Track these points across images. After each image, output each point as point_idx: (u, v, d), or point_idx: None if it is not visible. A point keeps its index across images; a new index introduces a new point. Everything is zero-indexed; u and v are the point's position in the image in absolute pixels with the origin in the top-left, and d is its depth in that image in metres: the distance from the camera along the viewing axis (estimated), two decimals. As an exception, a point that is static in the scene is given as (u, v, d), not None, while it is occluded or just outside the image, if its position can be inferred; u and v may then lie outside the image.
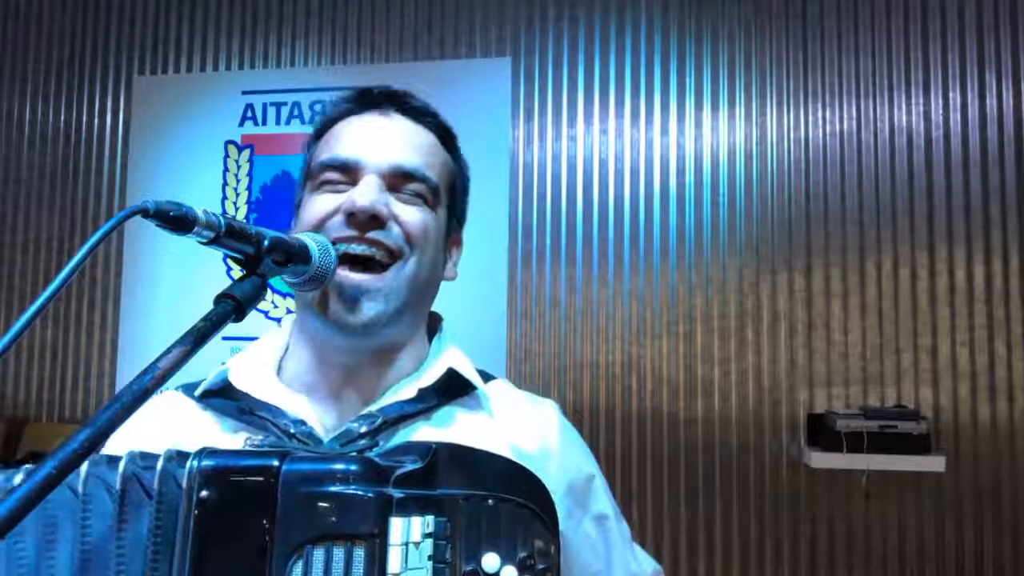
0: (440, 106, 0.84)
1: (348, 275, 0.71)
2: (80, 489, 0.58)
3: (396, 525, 0.56)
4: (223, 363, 0.77)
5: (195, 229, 0.55)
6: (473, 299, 2.76)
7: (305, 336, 0.78)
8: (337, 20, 3.17)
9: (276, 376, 0.77)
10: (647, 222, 2.87)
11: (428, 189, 0.76)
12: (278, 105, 3.14)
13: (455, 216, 0.83)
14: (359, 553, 0.55)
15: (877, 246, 2.71)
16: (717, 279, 2.80)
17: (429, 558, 0.56)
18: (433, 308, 0.85)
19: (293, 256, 0.63)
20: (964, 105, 2.72)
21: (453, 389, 0.77)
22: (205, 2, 3.28)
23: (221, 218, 0.57)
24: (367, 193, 0.72)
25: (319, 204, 0.74)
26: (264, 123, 3.14)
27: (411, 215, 0.74)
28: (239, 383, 0.75)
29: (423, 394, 0.75)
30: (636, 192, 2.89)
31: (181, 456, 0.58)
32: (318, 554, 0.55)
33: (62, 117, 3.37)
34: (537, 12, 3.03)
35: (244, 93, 3.17)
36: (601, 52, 2.98)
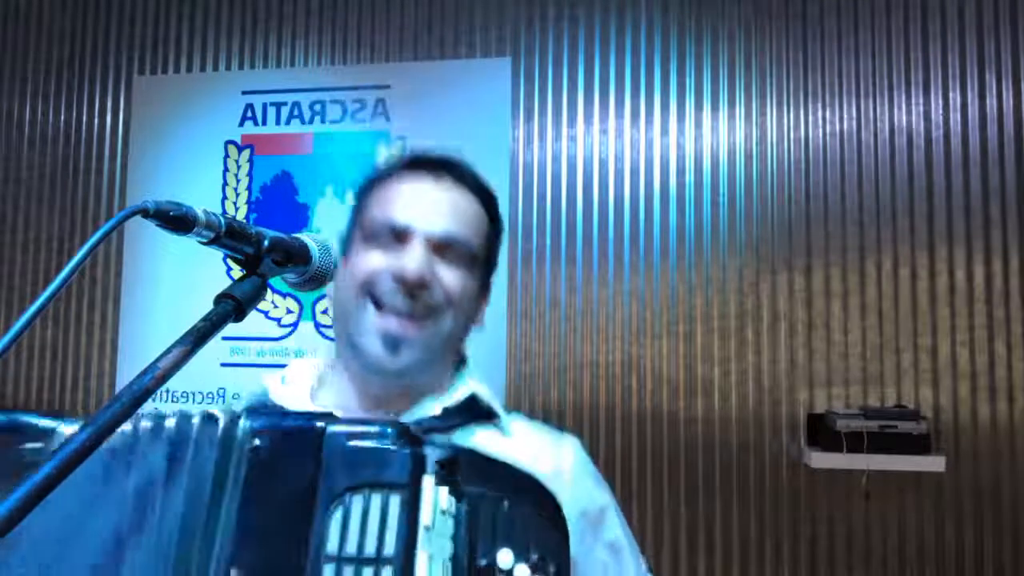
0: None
1: (392, 323, 0.79)
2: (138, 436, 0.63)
3: (428, 483, 0.59)
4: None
5: (195, 229, 0.55)
6: (473, 299, 2.75)
7: (342, 364, 0.85)
8: (337, 20, 3.17)
9: (310, 399, 0.84)
10: (647, 222, 2.87)
11: (468, 253, 0.84)
12: (278, 105, 3.13)
13: (489, 270, 0.91)
14: (395, 500, 0.58)
15: (877, 246, 2.71)
16: (717, 279, 2.80)
17: (451, 538, 0.58)
18: None
19: (293, 256, 0.64)
20: (964, 105, 2.72)
21: (475, 413, 0.83)
22: (205, 2, 3.28)
23: (221, 218, 0.57)
24: (416, 259, 0.79)
25: (370, 261, 0.82)
26: (264, 123, 3.13)
27: (452, 278, 0.82)
28: (277, 399, 0.82)
29: (447, 413, 0.81)
30: (636, 192, 2.89)
31: (234, 417, 0.63)
32: (357, 500, 0.58)
33: (62, 117, 3.37)
34: (537, 12, 3.03)
35: (244, 93, 3.16)
36: (601, 52, 2.98)
